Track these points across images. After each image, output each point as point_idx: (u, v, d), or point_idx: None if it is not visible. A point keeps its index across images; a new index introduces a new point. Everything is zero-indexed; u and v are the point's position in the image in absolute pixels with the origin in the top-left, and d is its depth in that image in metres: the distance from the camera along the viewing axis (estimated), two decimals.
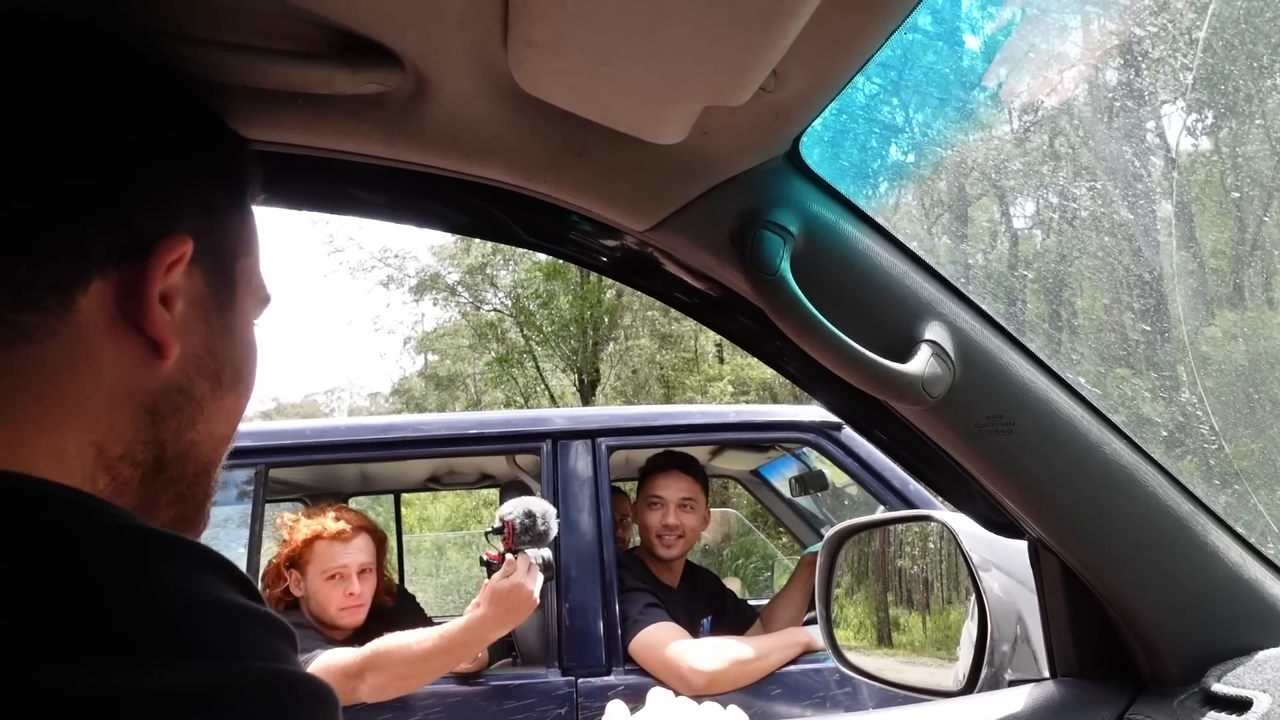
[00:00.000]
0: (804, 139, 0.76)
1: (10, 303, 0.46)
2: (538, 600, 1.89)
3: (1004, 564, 1.06)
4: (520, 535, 1.88)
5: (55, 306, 0.47)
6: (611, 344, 16.37)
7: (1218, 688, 0.79)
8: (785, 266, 0.73)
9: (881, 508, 2.37)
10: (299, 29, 0.63)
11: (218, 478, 0.57)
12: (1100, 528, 0.84)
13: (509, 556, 1.90)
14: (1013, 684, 1.00)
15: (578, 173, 0.74)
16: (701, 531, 2.50)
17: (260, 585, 2.31)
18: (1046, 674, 0.97)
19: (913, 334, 0.79)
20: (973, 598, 1.09)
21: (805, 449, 2.87)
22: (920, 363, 0.77)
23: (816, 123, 0.76)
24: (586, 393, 15.64)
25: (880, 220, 0.83)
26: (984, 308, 0.84)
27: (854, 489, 2.98)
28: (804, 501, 3.42)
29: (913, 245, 0.84)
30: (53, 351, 0.47)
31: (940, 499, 1.03)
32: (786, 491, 3.41)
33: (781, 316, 0.73)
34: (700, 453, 3.03)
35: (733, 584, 3.59)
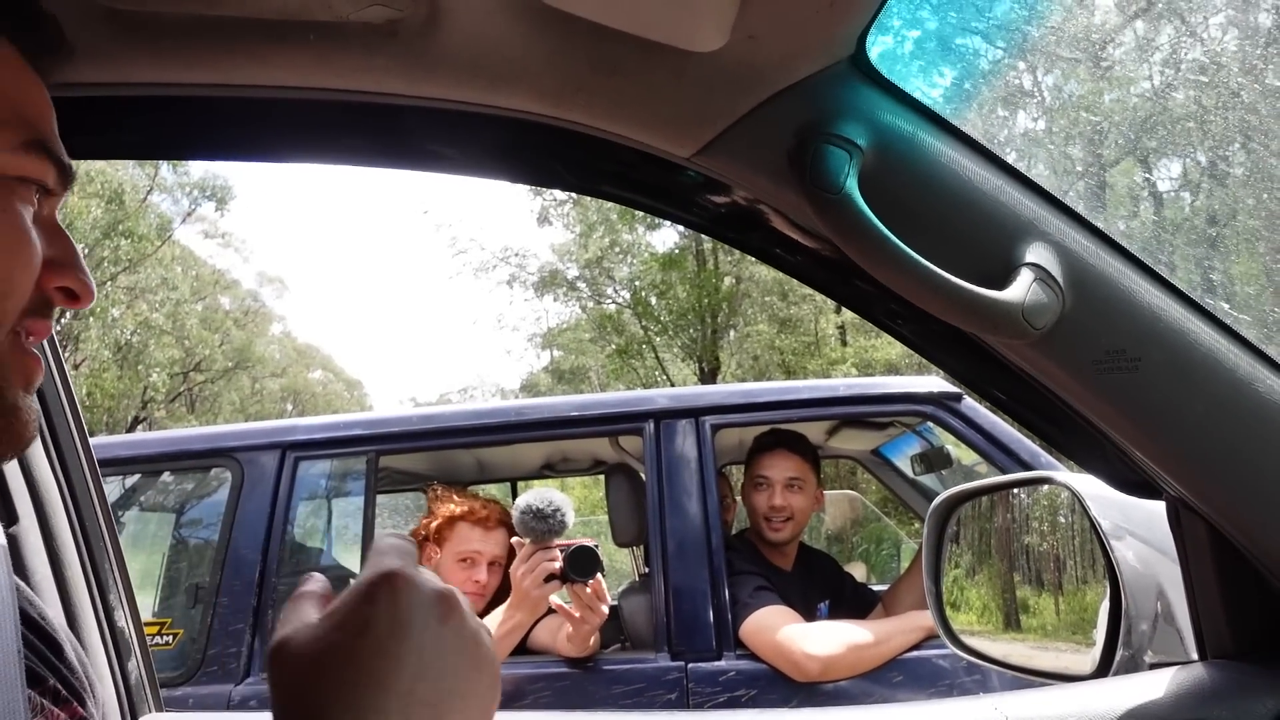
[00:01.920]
0: (870, 37, 0.67)
1: None
2: (531, 591, 1.85)
3: (1140, 531, 0.93)
4: (521, 528, 1.85)
5: None
6: (731, 331, 16.23)
7: None
8: (851, 184, 0.64)
9: None
10: None
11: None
12: (1253, 480, 0.71)
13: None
14: (1154, 668, 0.86)
15: (612, 94, 0.67)
16: (812, 512, 2.38)
17: None
18: (1194, 656, 0.83)
19: (1011, 258, 0.68)
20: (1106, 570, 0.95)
21: (926, 423, 2.70)
22: (1020, 289, 0.66)
23: (887, 17, 0.66)
24: (707, 381, 15.55)
25: (969, 130, 0.72)
26: (1099, 226, 0.72)
27: (984, 465, 2.79)
28: (929, 481, 3.23)
29: (1011, 158, 0.73)
30: None
31: (1069, 460, 0.90)
32: (909, 471, 3.23)
33: (848, 240, 0.64)
34: (816, 432, 2.91)
35: (855, 569, 3.44)
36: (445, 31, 0.64)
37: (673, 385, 16.13)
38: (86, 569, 0.86)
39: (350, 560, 2.43)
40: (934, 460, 3.03)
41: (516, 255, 17.85)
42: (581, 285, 17.77)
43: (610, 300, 17.43)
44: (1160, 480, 0.77)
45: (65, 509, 0.91)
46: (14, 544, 0.77)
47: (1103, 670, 0.90)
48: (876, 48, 0.69)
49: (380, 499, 2.74)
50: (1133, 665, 0.89)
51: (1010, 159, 0.74)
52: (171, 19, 0.62)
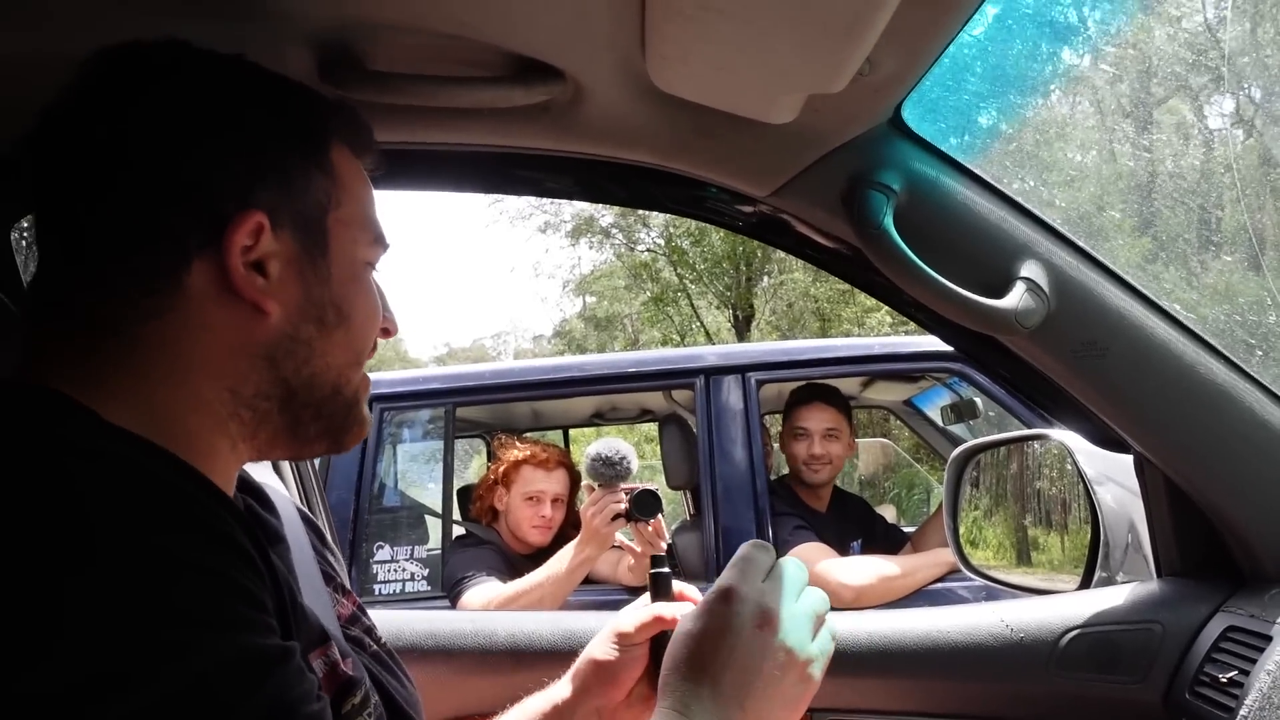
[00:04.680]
0: (907, 105, 0.87)
1: (136, 290, 0.58)
2: (600, 528, 2.05)
3: (1118, 477, 1.15)
4: (591, 473, 2.10)
5: (169, 288, 0.58)
6: (765, 278, 16.32)
7: None
8: (888, 221, 0.86)
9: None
10: (485, 56, 0.80)
11: (356, 391, 0.67)
12: (1195, 442, 0.93)
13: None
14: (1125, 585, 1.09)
15: (708, 151, 0.89)
16: (846, 459, 2.62)
17: (473, 497, 2.62)
18: (1155, 575, 1.06)
19: (1009, 272, 0.89)
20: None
21: (955, 378, 2.91)
22: (1014, 298, 0.87)
23: (923, 86, 0.86)
24: (741, 328, 15.73)
25: (980, 170, 0.92)
26: (1081, 244, 0.93)
27: (1010, 418, 2.99)
28: (958, 429, 3.44)
29: (1012, 189, 0.94)
30: (175, 323, 0.59)
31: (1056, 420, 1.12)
32: (940, 421, 3.45)
33: (885, 265, 0.86)
34: (852, 385, 3.12)
35: (887, 512, 3.69)
36: (586, 108, 0.86)
37: (707, 333, 16.32)
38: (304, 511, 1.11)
39: (431, 500, 2.72)
40: (963, 411, 3.24)
41: (551, 203, 17.99)
42: (615, 232, 17.91)
43: (645, 247, 17.57)
44: (1127, 439, 0.99)
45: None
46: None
47: (1083, 585, 1.13)
48: (910, 110, 0.89)
49: None
50: (1108, 583, 1.12)
51: (1015, 184, 0.95)
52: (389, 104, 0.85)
